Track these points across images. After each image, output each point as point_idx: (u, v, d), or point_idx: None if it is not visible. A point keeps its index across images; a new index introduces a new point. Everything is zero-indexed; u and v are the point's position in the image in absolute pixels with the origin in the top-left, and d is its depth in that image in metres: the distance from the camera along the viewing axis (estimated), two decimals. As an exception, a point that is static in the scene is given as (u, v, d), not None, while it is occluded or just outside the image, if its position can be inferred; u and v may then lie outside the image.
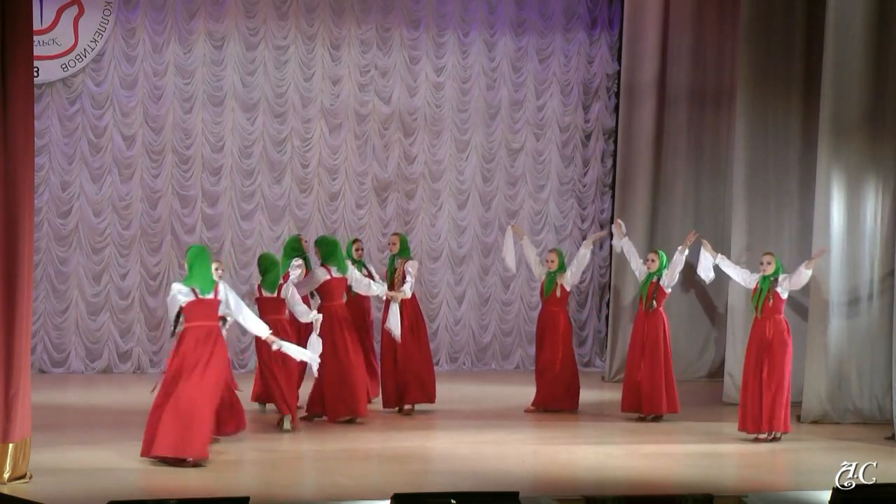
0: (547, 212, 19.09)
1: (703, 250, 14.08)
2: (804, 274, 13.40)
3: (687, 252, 14.39)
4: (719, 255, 13.99)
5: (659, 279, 14.36)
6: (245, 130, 17.98)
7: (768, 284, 13.30)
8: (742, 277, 13.72)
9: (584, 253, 15.03)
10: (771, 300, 13.28)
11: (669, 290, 14.48)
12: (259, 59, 17.96)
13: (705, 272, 14.11)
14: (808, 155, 15.68)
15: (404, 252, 14.92)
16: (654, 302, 14.35)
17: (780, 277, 13.35)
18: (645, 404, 14.32)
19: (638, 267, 14.68)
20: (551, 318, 15.02)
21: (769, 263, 13.36)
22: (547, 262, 15.13)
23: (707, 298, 18.14)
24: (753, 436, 13.35)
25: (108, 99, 17.51)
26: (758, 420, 13.28)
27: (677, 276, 14.49)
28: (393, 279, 14.85)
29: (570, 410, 14.97)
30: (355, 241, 15.41)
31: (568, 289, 15.05)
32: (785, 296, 13.39)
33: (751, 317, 15.93)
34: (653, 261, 14.46)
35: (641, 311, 14.48)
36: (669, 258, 14.59)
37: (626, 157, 18.25)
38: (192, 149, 17.80)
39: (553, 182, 19.12)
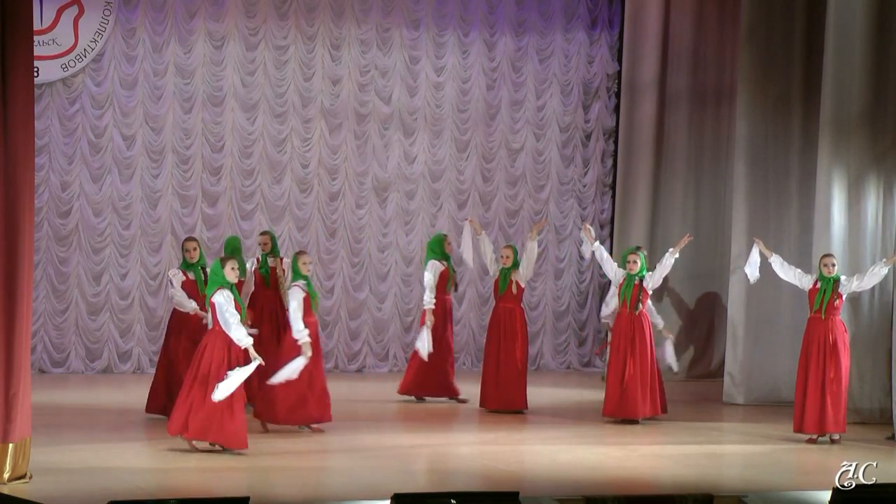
0: (547, 212, 19.08)
1: (755, 248, 13.98)
2: (879, 273, 13.42)
3: (677, 255, 14.36)
4: (774, 254, 13.89)
5: (641, 280, 14.29)
6: (245, 130, 17.98)
7: (832, 285, 13.30)
8: (797, 279, 13.63)
9: (532, 246, 14.97)
10: (836, 300, 13.31)
11: (651, 291, 14.44)
12: (259, 59, 17.95)
13: (752, 270, 13.98)
14: (808, 155, 15.68)
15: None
16: (640, 304, 14.30)
17: (844, 278, 13.37)
18: (636, 407, 14.19)
19: (615, 271, 14.57)
20: (507, 315, 14.94)
21: (834, 265, 13.36)
22: (501, 257, 15.04)
23: (705, 298, 18.14)
24: (806, 437, 13.33)
25: (108, 99, 17.50)
26: (819, 421, 13.24)
27: (662, 278, 14.46)
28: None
29: (523, 411, 14.89)
30: (445, 236, 15.58)
31: (522, 284, 15.00)
32: (845, 296, 13.44)
33: (753, 317, 15.99)
34: (634, 262, 14.36)
35: (625, 314, 14.36)
36: (656, 261, 14.60)
37: (626, 157, 18.25)
38: (192, 149, 17.80)
39: (553, 182, 19.12)
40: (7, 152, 10.19)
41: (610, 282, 17.73)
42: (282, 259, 14.68)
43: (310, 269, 13.08)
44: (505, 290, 14.94)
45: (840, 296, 13.34)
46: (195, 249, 13.85)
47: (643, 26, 18.16)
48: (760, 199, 15.96)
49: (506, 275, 14.94)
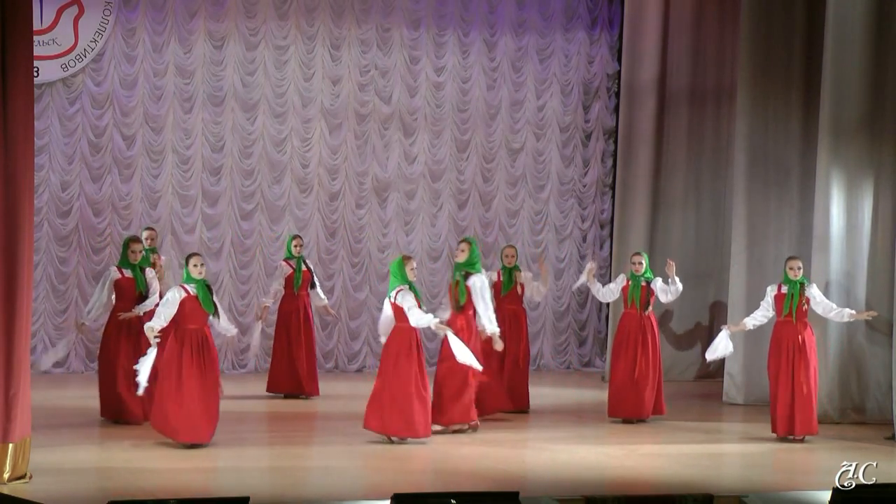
0: (547, 212, 19.09)
1: (724, 335, 13.59)
2: (842, 315, 13.42)
3: (679, 283, 14.38)
4: (740, 324, 13.76)
5: (648, 282, 14.31)
6: (245, 130, 17.98)
7: (799, 289, 13.27)
8: (766, 312, 13.49)
9: (537, 286, 14.99)
10: (805, 304, 13.29)
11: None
12: (259, 59, 17.96)
13: (722, 352, 13.70)
14: (808, 155, 15.68)
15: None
16: (649, 304, 14.34)
17: (814, 290, 13.31)
18: (643, 407, 14.24)
19: (615, 287, 14.52)
20: (511, 316, 14.82)
21: (800, 268, 13.34)
22: (506, 257, 14.96)
23: (705, 297, 18.14)
24: (782, 437, 13.33)
25: (108, 99, 17.51)
26: (791, 422, 13.23)
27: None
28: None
29: (524, 410, 14.89)
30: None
31: (526, 285, 14.96)
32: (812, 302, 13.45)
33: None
34: (640, 263, 14.38)
35: (633, 314, 14.33)
36: (655, 262, 14.64)
37: (626, 157, 18.25)
38: (192, 149, 17.81)
39: (553, 182, 19.13)
40: (7, 152, 10.19)
41: (610, 279, 17.76)
42: (160, 256, 14.89)
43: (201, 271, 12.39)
44: (509, 291, 14.88)
45: (808, 300, 13.29)
46: (140, 251, 13.74)
47: (643, 26, 18.16)
48: (760, 199, 15.95)
49: (510, 274, 14.91)
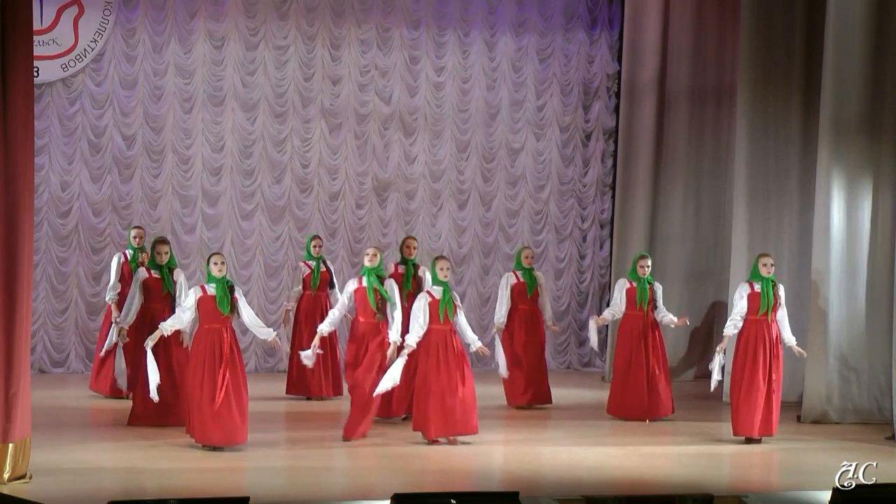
0: (547, 212, 19.09)
1: (718, 359, 13.38)
2: (785, 332, 13.34)
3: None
4: (720, 354, 13.52)
5: (652, 285, 14.41)
6: (245, 130, 17.98)
7: (772, 287, 13.24)
8: (742, 318, 13.35)
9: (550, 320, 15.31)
10: (779, 304, 13.26)
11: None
12: (259, 59, 17.96)
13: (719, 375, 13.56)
14: (808, 155, 15.69)
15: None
16: (656, 305, 14.42)
17: (782, 292, 13.25)
18: (657, 407, 14.32)
19: (620, 303, 14.55)
20: (531, 317, 15.17)
21: (772, 265, 13.30)
22: (525, 258, 15.20)
23: (705, 297, 18.13)
24: (746, 438, 13.31)
25: (108, 99, 17.51)
26: (768, 423, 13.21)
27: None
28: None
29: (549, 404, 15.29)
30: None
31: (541, 287, 15.24)
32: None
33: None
34: (647, 266, 14.45)
35: (638, 316, 14.39)
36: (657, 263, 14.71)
37: (626, 157, 18.25)
38: (192, 149, 17.81)
39: (553, 182, 19.13)
40: (7, 152, 10.19)
41: (610, 279, 17.75)
42: (147, 255, 14.72)
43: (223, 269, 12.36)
44: (532, 292, 15.13)
45: (779, 297, 13.25)
46: (166, 253, 13.78)
47: (643, 26, 18.15)
48: (760, 199, 15.95)
49: (531, 276, 15.15)
